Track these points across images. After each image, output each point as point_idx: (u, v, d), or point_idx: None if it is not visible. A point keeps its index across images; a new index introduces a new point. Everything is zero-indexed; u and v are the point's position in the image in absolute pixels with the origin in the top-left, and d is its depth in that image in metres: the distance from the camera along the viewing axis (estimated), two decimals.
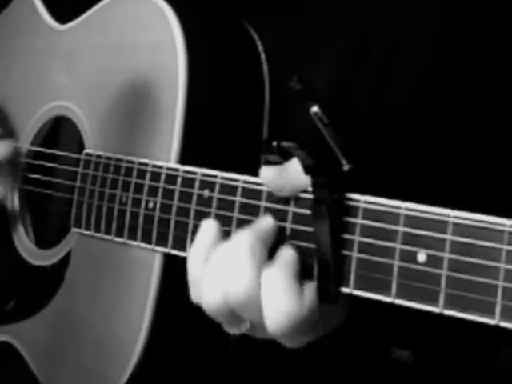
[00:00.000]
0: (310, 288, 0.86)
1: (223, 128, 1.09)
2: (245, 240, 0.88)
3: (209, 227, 0.94)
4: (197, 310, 0.96)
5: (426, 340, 1.04)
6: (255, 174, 0.94)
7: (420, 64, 1.04)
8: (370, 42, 1.06)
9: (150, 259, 1.07)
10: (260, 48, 1.13)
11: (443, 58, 1.03)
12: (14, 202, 1.33)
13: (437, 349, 1.05)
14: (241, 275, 0.86)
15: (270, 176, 0.91)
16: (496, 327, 0.75)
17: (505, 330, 0.75)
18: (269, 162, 0.91)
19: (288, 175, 0.90)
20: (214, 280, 0.89)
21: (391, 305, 0.82)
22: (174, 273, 1.06)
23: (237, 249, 0.87)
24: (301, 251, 0.89)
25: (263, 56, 1.13)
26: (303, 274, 0.88)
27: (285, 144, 0.83)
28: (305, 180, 0.87)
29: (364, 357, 1.08)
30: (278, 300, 0.84)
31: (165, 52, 1.09)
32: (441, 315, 0.78)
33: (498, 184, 1.00)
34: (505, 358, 1.03)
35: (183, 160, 1.05)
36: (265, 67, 1.12)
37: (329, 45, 1.09)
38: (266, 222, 0.91)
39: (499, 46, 1.03)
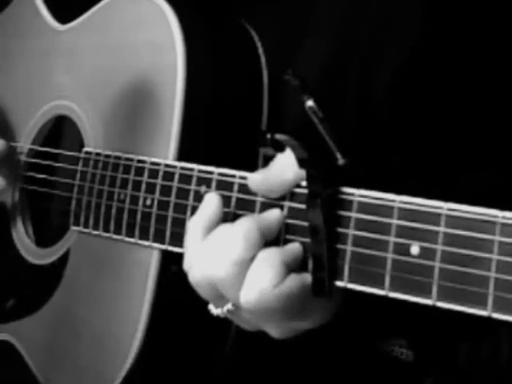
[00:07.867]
0: (292, 279, 0.86)
1: (221, 125, 1.09)
2: (243, 225, 0.89)
3: (210, 203, 0.95)
4: (194, 308, 0.97)
5: (425, 330, 1.04)
6: (253, 170, 0.94)
7: (406, 55, 1.04)
8: (356, 33, 1.07)
9: (147, 258, 1.07)
10: (258, 46, 1.14)
11: (430, 50, 1.04)
12: (14, 201, 1.33)
13: (436, 342, 1.05)
14: (229, 255, 0.88)
15: (256, 184, 0.92)
16: (490, 320, 0.75)
17: (503, 325, 0.75)
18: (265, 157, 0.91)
19: (273, 177, 0.91)
20: (204, 256, 0.91)
21: (386, 297, 0.82)
22: (172, 271, 1.06)
23: (233, 231, 0.89)
24: None
25: (262, 54, 1.13)
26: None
27: (279, 136, 0.83)
28: (290, 175, 0.89)
29: (364, 354, 1.08)
30: (257, 276, 0.86)
31: (164, 50, 1.09)
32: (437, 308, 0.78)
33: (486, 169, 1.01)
34: (504, 357, 1.03)
35: (181, 157, 1.05)
36: (263, 65, 1.12)
37: (317, 34, 1.09)
38: (271, 214, 0.91)
39: (483, 39, 1.04)
